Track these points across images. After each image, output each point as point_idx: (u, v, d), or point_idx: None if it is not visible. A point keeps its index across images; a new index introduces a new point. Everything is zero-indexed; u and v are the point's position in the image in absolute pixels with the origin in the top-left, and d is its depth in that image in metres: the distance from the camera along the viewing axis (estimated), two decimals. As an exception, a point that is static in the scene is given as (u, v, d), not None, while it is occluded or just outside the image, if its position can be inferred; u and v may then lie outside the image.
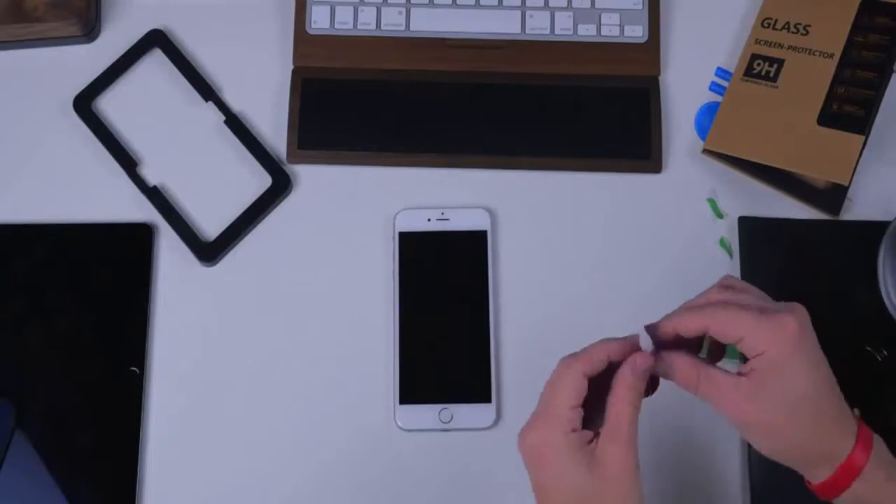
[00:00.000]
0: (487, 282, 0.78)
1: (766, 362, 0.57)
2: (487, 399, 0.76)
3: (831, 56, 0.82)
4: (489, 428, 0.76)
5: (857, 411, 0.61)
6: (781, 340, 0.57)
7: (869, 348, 0.75)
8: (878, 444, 0.60)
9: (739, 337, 0.57)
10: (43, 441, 0.76)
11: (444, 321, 0.78)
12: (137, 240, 0.81)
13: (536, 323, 0.79)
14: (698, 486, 0.76)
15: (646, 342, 0.59)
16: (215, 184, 0.83)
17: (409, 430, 0.76)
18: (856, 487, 0.58)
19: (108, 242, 0.81)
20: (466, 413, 0.76)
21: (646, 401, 0.60)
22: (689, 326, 0.59)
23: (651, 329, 0.59)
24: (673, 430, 0.76)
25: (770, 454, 0.60)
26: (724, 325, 0.58)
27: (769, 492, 0.74)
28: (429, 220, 0.78)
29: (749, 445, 0.74)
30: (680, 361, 0.59)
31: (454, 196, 0.82)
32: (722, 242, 0.81)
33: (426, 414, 0.76)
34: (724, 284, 0.62)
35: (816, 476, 0.59)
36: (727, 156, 0.81)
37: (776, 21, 0.85)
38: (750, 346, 0.57)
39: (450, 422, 0.75)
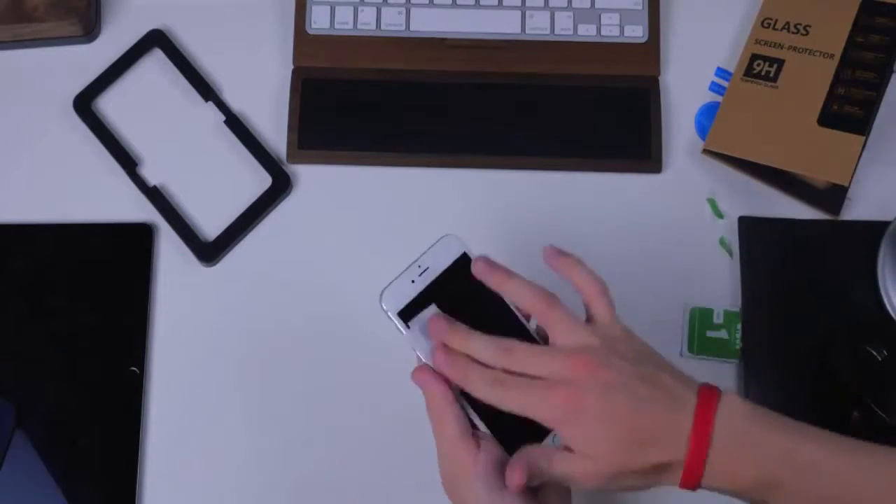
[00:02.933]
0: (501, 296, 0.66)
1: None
2: None
3: (831, 56, 0.82)
4: None
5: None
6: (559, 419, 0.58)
7: (869, 348, 0.75)
8: (727, 399, 0.59)
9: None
10: (43, 441, 0.76)
11: None
12: (137, 240, 0.81)
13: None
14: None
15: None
16: (215, 184, 0.83)
17: None
18: (718, 449, 0.57)
19: (108, 242, 0.81)
20: None
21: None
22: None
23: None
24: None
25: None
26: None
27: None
28: (413, 282, 0.66)
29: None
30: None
31: (454, 196, 0.82)
32: (722, 242, 0.81)
33: None
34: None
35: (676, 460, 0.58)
36: (727, 156, 0.82)
37: (776, 21, 0.85)
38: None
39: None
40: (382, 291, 0.66)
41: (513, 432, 0.62)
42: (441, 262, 0.67)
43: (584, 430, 0.58)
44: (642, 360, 0.60)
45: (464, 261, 0.67)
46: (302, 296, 0.80)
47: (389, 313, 0.66)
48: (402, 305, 0.66)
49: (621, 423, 0.58)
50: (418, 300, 0.66)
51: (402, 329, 0.65)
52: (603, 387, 0.58)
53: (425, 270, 0.66)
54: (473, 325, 0.63)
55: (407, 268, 0.66)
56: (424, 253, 0.67)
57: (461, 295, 0.66)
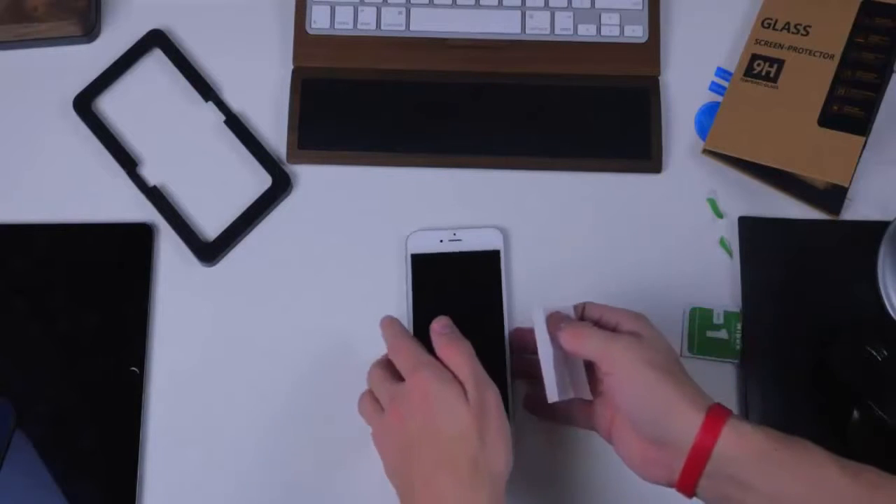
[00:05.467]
0: (502, 301, 0.76)
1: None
2: None
3: (831, 57, 0.82)
4: None
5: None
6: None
7: (869, 348, 0.75)
8: (735, 421, 0.61)
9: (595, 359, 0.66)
10: (43, 441, 0.76)
11: None
12: (137, 240, 0.81)
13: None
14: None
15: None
16: (215, 184, 0.83)
17: None
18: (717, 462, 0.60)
19: (108, 242, 0.81)
20: None
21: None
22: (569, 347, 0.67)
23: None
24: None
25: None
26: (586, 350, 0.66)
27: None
28: (441, 241, 0.76)
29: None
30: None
31: (454, 196, 0.82)
32: (722, 242, 0.81)
33: None
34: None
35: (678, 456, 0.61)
36: (727, 156, 0.82)
37: (776, 21, 0.85)
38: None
39: None
40: (411, 233, 0.75)
41: None
42: (475, 243, 0.75)
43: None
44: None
45: (493, 255, 0.74)
46: (302, 296, 0.80)
47: (409, 252, 0.76)
48: (419, 252, 0.75)
49: (660, 385, 0.62)
50: (435, 257, 0.74)
51: (407, 273, 0.74)
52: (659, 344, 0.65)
53: (457, 241, 0.74)
54: (459, 313, 0.69)
55: (445, 228, 0.75)
56: (468, 228, 0.75)
57: (465, 278, 0.73)
